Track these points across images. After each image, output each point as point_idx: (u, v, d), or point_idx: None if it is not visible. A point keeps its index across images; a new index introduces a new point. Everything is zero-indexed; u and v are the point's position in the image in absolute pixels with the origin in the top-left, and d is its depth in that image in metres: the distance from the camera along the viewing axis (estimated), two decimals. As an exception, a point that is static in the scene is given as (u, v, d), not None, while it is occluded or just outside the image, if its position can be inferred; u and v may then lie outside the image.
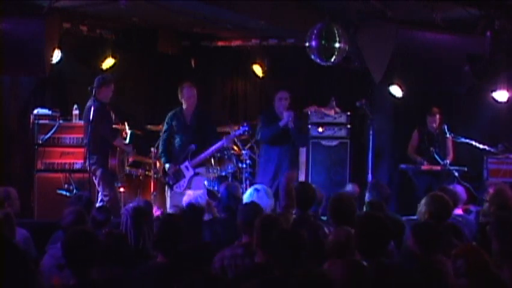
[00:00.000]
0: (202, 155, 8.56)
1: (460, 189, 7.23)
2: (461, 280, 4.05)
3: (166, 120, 8.68)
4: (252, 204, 5.64)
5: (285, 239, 4.34)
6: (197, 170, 8.55)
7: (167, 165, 8.57)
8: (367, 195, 6.83)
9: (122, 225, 5.29)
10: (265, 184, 8.36)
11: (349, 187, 7.32)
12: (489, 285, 4.08)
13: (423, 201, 6.09)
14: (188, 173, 8.51)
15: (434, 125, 9.49)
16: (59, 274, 4.56)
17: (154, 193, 9.17)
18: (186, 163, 8.50)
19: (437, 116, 9.48)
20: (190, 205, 6.25)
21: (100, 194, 8.31)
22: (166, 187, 8.74)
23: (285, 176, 6.38)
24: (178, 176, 8.54)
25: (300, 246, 4.31)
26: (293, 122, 8.42)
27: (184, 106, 8.60)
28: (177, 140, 8.63)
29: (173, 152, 8.64)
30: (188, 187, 8.40)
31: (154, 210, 7.80)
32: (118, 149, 8.40)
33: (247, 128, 8.76)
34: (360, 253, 4.44)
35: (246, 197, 6.47)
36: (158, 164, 9.23)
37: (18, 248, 3.86)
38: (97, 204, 7.82)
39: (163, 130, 8.72)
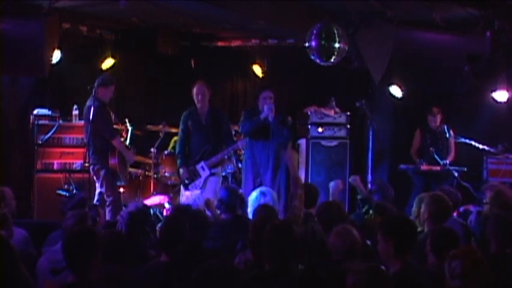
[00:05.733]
0: (219, 156, 8.54)
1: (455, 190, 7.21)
2: (455, 282, 4.03)
3: (182, 119, 8.62)
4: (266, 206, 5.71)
5: (276, 233, 4.36)
6: (213, 171, 8.53)
7: (181, 170, 8.54)
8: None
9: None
10: (249, 182, 8.41)
11: (331, 184, 7.29)
12: (485, 283, 4.07)
13: (416, 200, 6.12)
14: (204, 173, 8.45)
15: (434, 124, 9.50)
16: (53, 278, 4.57)
17: (172, 194, 9.17)
18: (202, 163, 8.46)
19: (438, 116, 9.49)
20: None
21: (97, 194, 8.30)
22: (181, 186, 8.72)
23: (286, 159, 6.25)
24: (193, 175, 8.50)
25: (291, 240, 4.33)
26: (273, 114, 8.37)
27: (196, 104, 8.59)
28: (193, 140, 8.56)
29: (189, 152, 8.60)
30: (204, 187, 8.40)
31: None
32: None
33: None
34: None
35: (252, 200, 6.48)
36: (165, 163, 9.27)
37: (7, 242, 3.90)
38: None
39: (180, 131, 8.69)
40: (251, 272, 4.45)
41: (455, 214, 6.77)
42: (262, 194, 6.54)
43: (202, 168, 8.46)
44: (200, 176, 8.47)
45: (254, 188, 7.88)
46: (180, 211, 5.93)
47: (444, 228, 5.09)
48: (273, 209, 5.77)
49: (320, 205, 5.97)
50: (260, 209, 5.79)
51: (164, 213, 8.68)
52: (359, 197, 7.08)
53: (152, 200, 8.73)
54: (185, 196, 6.92)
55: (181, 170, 8.57)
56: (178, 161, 8.64)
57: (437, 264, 4.63)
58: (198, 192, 7.82)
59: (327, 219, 5.55)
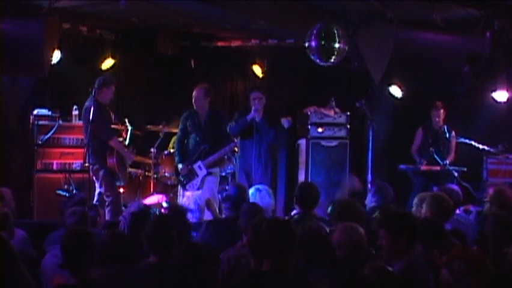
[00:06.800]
0: (216, 155, 8.57)
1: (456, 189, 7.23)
2: (465, 281, 4.03)
3: (181, 119, 8.74)
4: (254, 205, 5.70)
5: (273, 229, 4.28)
6: (210, 170, 8.56)
7: (180, 166, 8.60)
8: (370, 198, 6.82)
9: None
10: (242, 182, 8.41)
11: (348, 182, 7.30)
12: (493, 284, 4.07)
13: (416, 200, 6.13)
14: (202, 173, 8.52)
15: (438, 119, 9.49)
16: (62, 273, 4.57)
17: (171, 194, 9.19)
18: (199, 163, 8.51)
19: (441, 111, 9.49)
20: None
21: (96, 194, 8.31)
22: (179, 186, 8.75)
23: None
24: (190, 175, 8.54)
25: (289, 237, 4.25)
26: (261, 114, 8.42)
27: None
28: (191, 140, 8.67)
29: (186, 151, 8.68)
30: (201, 187, 8.43)
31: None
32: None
33: None
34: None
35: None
36: (165, 163, 9.29)
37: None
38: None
39: (178, 130, 8.80)
40: (248, 271, 4.42)
41: (460, 211, 6.80)
42: (258, 190, 6.65)
43: (200, 167, 8.51)
44: (197, 176, 8.51)
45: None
46: (172, 211, 5.94)
47: (431, 220, 5.13)
48: (258, 206, 5.74)
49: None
50: (246, 208, 5.72)
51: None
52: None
53: (151, 200, 8.74)
54: (187, 196, 6.94)
55: (180, 166, 8.61)
56: (176, 158, 8.72)
57: (424, 253, 4.76)
58: (198, 192, 7.84)
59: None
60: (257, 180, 8.48)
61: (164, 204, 8.50)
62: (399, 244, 4.50)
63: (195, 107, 8.64)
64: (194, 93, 8.60)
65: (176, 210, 5.89)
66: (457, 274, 3.99)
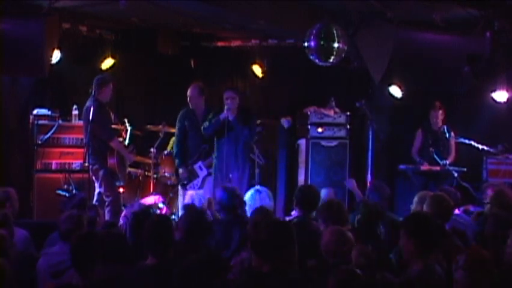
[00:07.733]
0: None
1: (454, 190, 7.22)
2: (458, 272, 4.05)
3: (179, 119, 8.72)
4: (262, 208, 5.72)
5: (271, 231, 4.26)
6: (211, 170, 8.54)
7: (180, 170, 8.59)
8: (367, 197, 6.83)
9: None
10: (218, 182, 8.35)
11: (323, 192, 7.24)
12: (488, 280, 4.08)
13: (416, 198, 6.13)
14: (202, 173, 8.52)
15: (436, 120, 9.48)
16: (54, 281, 4.60)
17: (171, 194, 9.18)
18: (200, 163, 8.51)
19: (440, 111, 9.47)
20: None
21: (95, 194, 8.32)
22: (180, 187, 8.73)
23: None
24: (191, 175, 8.53)
25: (287, 237, 4.21)
26: (234, 114, 8.34)
27: None
28: (190, 140, 8.65)
29: (187, 152, 8.67)
30: (202, 187, 8.42)
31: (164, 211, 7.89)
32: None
33: (260, 129, 8.80)
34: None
35: (248, 199, 6.54)
36: (165, 163, 9.29)
37: None
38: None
39: (176, 130, 8.77)
40: (249, 272, 4.41)
41: (459, 212, 6.80)
42: (257, 191, 6.65)
43: (200, 168, 8.51)
44: (198, 176, 8.51)
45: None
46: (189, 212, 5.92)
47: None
48: (266, 210, 5.78)
49: (321, 204, 5.99)
50: (255, 211, 5.78)
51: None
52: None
53: (147, 200, 8.74)
54: (189, 195, 6.96)
55: (180, 170, 8.61)
56: (177, 161, 8.71)
57: None
58: (200, 192, 7.86)
59: (328, 218, 5.57)
60: (234, 181, 8.38)
61: (161, 205, 8.52)
62: (414, 246, 4.45)
63: (190, 106, 8.63)
64: (188, 92, 8.61)
65: (194, 211, 5.86)
66: (456, 264, 4.03)
